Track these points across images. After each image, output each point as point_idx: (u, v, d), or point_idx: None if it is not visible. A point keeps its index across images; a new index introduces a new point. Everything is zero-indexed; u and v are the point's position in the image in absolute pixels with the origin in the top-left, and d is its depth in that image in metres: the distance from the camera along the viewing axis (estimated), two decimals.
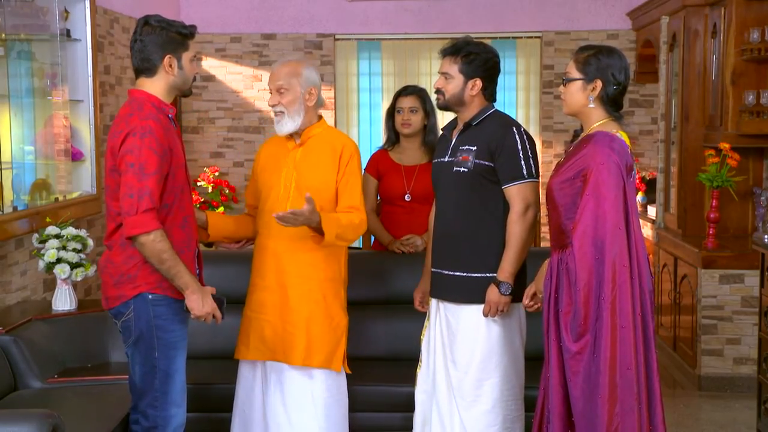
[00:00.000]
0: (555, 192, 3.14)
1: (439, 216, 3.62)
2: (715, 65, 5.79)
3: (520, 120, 7.38)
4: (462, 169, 3.48)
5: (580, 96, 3.14)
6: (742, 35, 5.48)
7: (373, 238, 4.79)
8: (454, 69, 3.52)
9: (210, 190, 7.11)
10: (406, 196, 4.51)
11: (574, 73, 3.15)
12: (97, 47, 5.37)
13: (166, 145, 3.11)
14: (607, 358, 2.98)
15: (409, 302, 3.93)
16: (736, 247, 5.48)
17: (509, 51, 7.52)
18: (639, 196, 7.23)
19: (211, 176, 7.17)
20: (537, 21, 7.48)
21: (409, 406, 3.86)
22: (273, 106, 3.56)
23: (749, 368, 5.33)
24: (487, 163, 3.46)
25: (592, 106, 3.13)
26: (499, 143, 3.46)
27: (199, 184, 7.16)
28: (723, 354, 5.41)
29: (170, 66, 3.21)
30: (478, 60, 3.53)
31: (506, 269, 3.44)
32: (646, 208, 7.14)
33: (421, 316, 3.83)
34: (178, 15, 7.40)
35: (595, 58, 3.12)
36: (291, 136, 3.60)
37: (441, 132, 3.77)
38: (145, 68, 3.22)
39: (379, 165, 4.60)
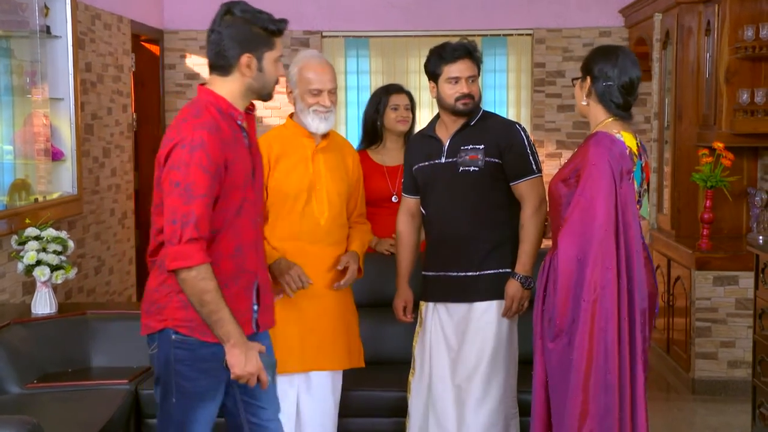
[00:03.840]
0: (553, 191, 3.19)
1: (439, 219, 3.62)
2: (708, 63, 5.80)
3: (511, 119, 7.37)
4: (471, 168, 3.53)
5: (578, 95, 3.25)
6: (736, 33, 5.49)
7: None
8: (476, 71, 3.56)
9: None
10: (393, 198, 4.51)
11: (578, 73, 3.27)
12: (78, 44, 5.34)
13: (220, 161, 2.67)
14: (583, 359, 3.00)
15: (388, 304, 3.92)
16: (730, 249, 5.49)
17: (500, 48, 7.52)
18: None
19: None
20: (528, 18, 7.48)
21: (398, 410, 3.86)
22: (326, 107, 3.50)
23: (744, 371, 5.34)
24: (496, 160, 3.53)
25: (584, 103, 3.21)
26: (508, 140, 3.54)
27: None
28: (717, 357, 5.42)
29: (248, 67, 2.76)
30: (481, 59, 3.63)
31: (527, 263, 3.53)
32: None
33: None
34: (161, 10, 7.38)
35: (591, 57, 3.21)
36: (311, 134, 3.56)
37: (421, 134, 3.76)
38: (219, 65, 2.78)
39: (361, 166, 4.59)
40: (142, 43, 7.22)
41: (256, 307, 2.87)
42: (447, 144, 3.60)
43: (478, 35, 7.38)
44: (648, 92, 7.25)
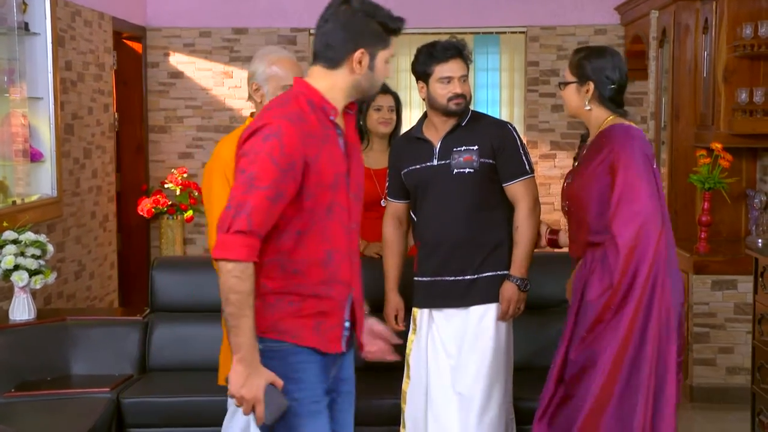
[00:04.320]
0: (581, 193, 3.20)
1: (433, 222, 3.62)
2: (706, 62, 5.82)
3: (504, 119, 7.38)
4: (466, 170, 3.55)
5: (576, 99, 3.28)
6: (735, 30, 5.51)
7: None
8: (467, 70, 3.59)
9: (178, 192, 7.07)
10: (382, 201, 4.50)
11: (568, 77, 3.29)
12: (57, 41, 5.33)
13: (297, 155, 2.48)
14: (623, 338, 3.04)
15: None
16: (728, 252, 5.51)
17: (492, 47, 7.53)
18: None
19: (180, 178, 7.12)
20: (521, 15, 7.49)
21: (391, 419, 3.86)
22: None
23: (743, 378, 5.36)
24: (490, 161, 3.56)
25: (588, 108, 3.26)
26: (501, 140, 3.57)
27: (166, 186, 7.12)
28: (715, 363, 5.43)
29: (359, 63, 2.62)
30: (471, 59, 3.65)
31: (522, 265, 3.57)
32: None
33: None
34: (143, 7, 7.37)
35: (586, 61, 3.25)
36: None
37: (407, 136, 3.77)
38: (326, 56, 2.63)
39: None
40: (124, 40, 7.20)
41: (348, 324, 2.65)
42: (438, 145, 3.61)
43: (470, 33, 7.39)
44: (644, 91, 7.27)
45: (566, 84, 3.29)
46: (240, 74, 7.42)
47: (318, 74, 2.65)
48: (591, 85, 3.23)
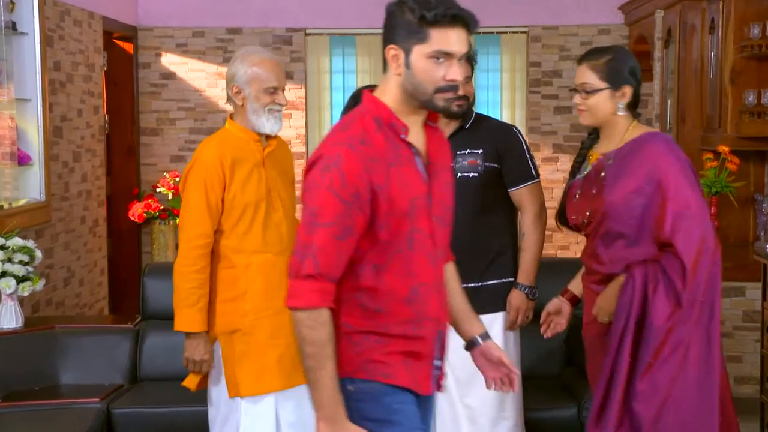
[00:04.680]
0: (621, 204, 3.08)
1: None
2: (713, 62, 5.81)
3: (505, 121, 7.37)
4: (470, 174, 3.55)
5: (609, 106, 3.15)
6: (742, 31, 5.50)
7: None
8: (470, 71, 3.60)
9: (170, 197, 7.05)
10: None
11: (598, 83, 3.14)
12: (46, 41, 5.32)
13: (362, 184, 2.28)
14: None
15: None
16: (736, 258, 5.49)
17: (493, 47, 7.52)
18: None
19: (172, 182, 7.11)
20: (523, 15, 7.49)
21: None
22: (283, 105, 3.52)
23: (751, 388, 5.34)
24: (495, 165, 3.57)
25: (622, 113, 3.15)
26: (506, 144, 3.58)
27: (158, 190, 7.10)
28: None
29: (396, 62, 2.39)
30: (476, 61, 3.65)
31: (530, 272, 3.57)
32: None
33: None
34: (135, 6, 7.36)
35: (621, 64, 3.13)
36: (258, 138, 3.54)
37: None
38: (384, 60, 2.43)
39: None
40: (115, 40, 7.19)
41: (438, 363, 2.49)
42: None
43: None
44: (649, 93, 7.25)
45: (596, 91, 3.13)
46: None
47: (382, 83, 2.45)
48: (629, 90, 3.13)
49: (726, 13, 5.61)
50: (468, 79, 3.57)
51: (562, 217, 3.30)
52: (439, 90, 2.36)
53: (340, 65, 7.64)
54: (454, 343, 3.56)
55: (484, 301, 3.55)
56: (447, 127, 3.60)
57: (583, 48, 7.45)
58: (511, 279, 3.57)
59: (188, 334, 3.43)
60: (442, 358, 2.49)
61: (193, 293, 3.39)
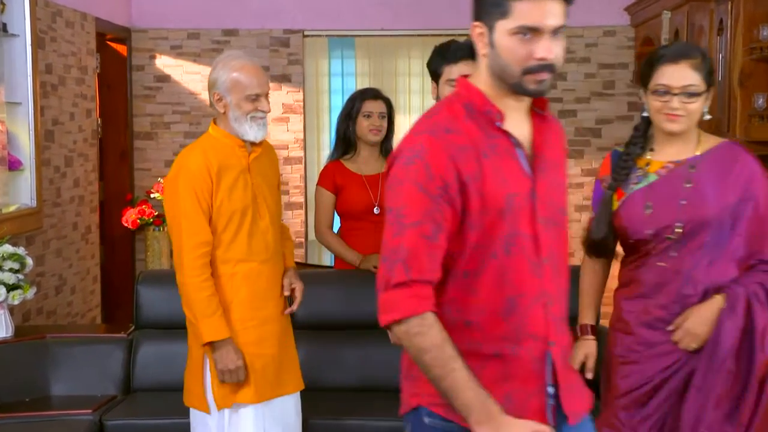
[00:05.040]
0: (722, 218, 2.95)
1: None
2: (721, 65, 5.81)
3: None
4: None
5: (700, 109, 3.01)
6: (751, 32, 5.50)
7: (333, 256, 4.78)
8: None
9: None
10: (374, 209, 4.51)
11: (701, 85, 2.98)
12: (37, 43, 5.32)
13: (449, 174, 2.06)
14: None
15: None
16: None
17: None
18: None
19: None
20: None
21: None
22: (266, 112, 3.52)
23: None
24: None
25: (708, 117, 3.04)
26: None
27: (152, 196, 7.10)
28: None
29: (480, 41, 2.18)
30: None
31: None
32: None
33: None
34: (128, 7, 7.36)
35: (709, 61, 2.99)
36: (243, 144, 3.54)
37: None
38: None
39: (337, 177, 4.58)
40: (108, 42, 7.20)
41: (551, 389, 2.18)
42: None
43: (469, 34, 7.37)
44: None
45: (700, 94, 2.97)
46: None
47: (477, 67, 2.23)
48: (713, 91, 3.01)
49: (735, 14, 5.61)
50: None
51: (605, 234, 3.08)
52: (528, 71, 2.10)
53: (338, 68, 7.65)
54: None
55: None
56: None
57: (588, 50, 7.47)
58: None
59: (215, 345, 3.39)
60: (558, 384, 2.18)
61: (211, 301, 3.39)
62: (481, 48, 2.17)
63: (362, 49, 7.60)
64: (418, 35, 7.49)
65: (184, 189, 3.40)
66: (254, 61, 3.57)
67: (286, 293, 3.62)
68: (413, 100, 7.50)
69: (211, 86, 3.53)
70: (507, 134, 2.15)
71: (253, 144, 3.55)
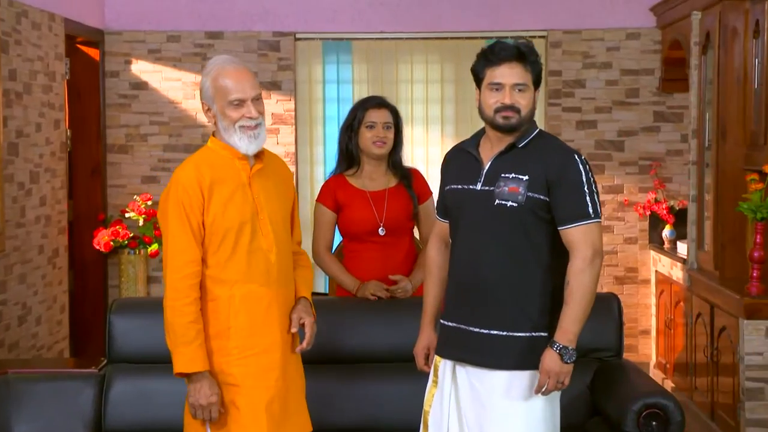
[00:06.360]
0: None
1: (462, 257, 3.54)
2: (757, 70, 5.82)
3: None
4: (509, 203, 3.43)
5: None
6: None
7: (327, 281, 4.77)
8: (528, 78, 3.47)
9: (141, 222, 7.04)
10: (380, 230, 4.49)
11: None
12: (0, 47, 5.32)
13: None
14: None
15: (385, 360, 3.89)
16: None
17: None
18: (667, 230, 7.25)
19: (143, 206, 7.10)
20: (541, 18, 7.50)
21: None
22: (254, 118, 3.50)
23: None
24: (541, 197, 3.43)
25: None
26: (560, 174, 3.43)
27: (127, 215, 7.09)
28: None
29: None
30: (539, 65, 3.53)
31: (570, 330, 3.39)
32: (675, 244, 7.13)
33: (404, 377, 3.79)
34: (101, 7, 7.38)
35: None
36: (244, 156, 3.54)
37: (462, 148, 3.65)
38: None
39: (339, 193, 4.57)
40: (79, 45, 7.20)
41: None
42: (487, 167, 3.51)
43: (481, 38, 7.39)
44: (685, 105, 7.27)
45: None
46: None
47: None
48: None
49: None
50: (524, 88, 3.45)
51: None
52: None
53: (333, 74, 7.65)
54: (472, 396, 3.52)
55: (509, 355, 3.45)
56: (499, 143, 3.51)
57: (609, 55, 7.48)
58: (544, 334, 3.44)
59: (190, 377, 3.41)
60: None
61: (190, 328, 3.39)
62: None
63: (360, 54, 7.60)
64: (421, 38, 7.50)
65: (173, 205, 3.43)
66: (238, 64, 3.57)
67: (293, 330, 3.58)
68: (416, 110, 7.50)
69: (201, 97, 3.57)
70: None
71: (257, 156, 3.56)
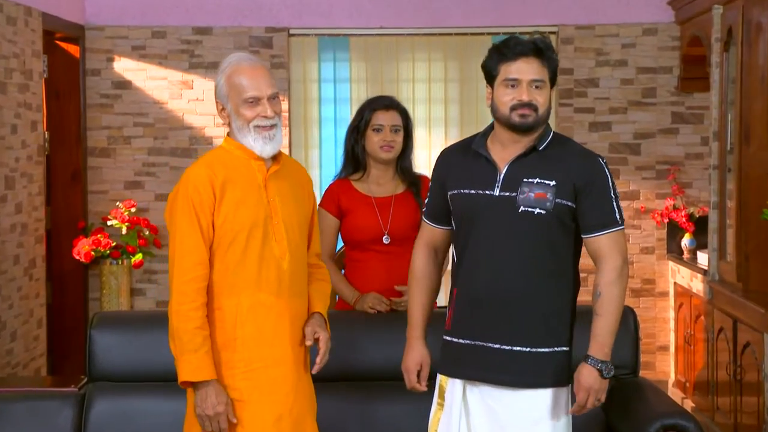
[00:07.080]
0: None
1: (480, 268, 3.50)
2: None
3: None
4: (537, 210, 3.42)
5: None
6: None
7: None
8: (545, 74, 3.47)
9: (124, 231, 7.03)
10: (384, 238, 4.48)
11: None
12: None
13: None
14: None
15: (387, 378, 3.86)
16: None
17: None
18: (687, 239, 7.24)
19: (126, 213, 7.09)
20: (551, 12, 7.50)
21: None
22: (270, 118, 3.52)
23: None
24: (568, 203, 3.44)
25: None
26: (588, 178, 3.45)
27: (109, 223, 7.08)
28: None
29: None
30: (556, 61, 3.55)
31: (606, 343, 3.42)
32: (695, 254, 7.12)
33: (406, 396, 3.76)
34: (82, 1, 7.37)
35: None
36: (260, 156, 3.55)
37: (464, 147, 3.62)
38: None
39: (342, 199, 4.57)
40: (58, 42, 7.20)
41: None
42: (504, 171, 3.48)
43: (488, 34, 7.39)
44: (705, 106, 7.26)
45: None
46: (202, 84, 7.41)
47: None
48: None
49: None
50: (541, 84, 3.45)
51: None
52: None
53: (330, 72, 7.65)
54: (490, 417, 3.50)
55: (533, 372, 3.45)
56: (515, 145, 3.49)
57: (624, 51, 7.47)
58: (566, 348, 3.46)
59: (196, 386, 3.42)
60: None
61: (197, 334, 3.40)
62: None
63: (358, 51, 7.60)
64: (423, 34, 7.49)
65: (181, 204, 3.46)
66: (255, 61, 3.60)
67: (309, 343, 3.58)
68: (418, 111, 7.47)
69: (215, 96, 3.59)
70: None
71: (274, 158, 3.57)
